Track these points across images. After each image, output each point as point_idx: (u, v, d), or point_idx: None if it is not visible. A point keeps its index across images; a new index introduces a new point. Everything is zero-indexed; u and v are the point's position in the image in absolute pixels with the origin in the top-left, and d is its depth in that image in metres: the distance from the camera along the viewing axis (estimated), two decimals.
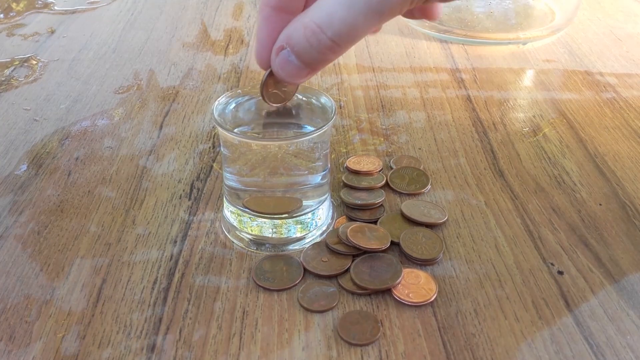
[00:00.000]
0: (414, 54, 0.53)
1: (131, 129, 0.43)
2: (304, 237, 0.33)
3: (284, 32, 0.28)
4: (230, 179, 0.33)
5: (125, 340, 0.28)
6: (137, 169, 0.39)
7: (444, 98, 0.47)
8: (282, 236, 0.32)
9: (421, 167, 0.39)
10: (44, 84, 0.49)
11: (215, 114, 0.31)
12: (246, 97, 0.33)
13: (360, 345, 0.27)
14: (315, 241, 0.33)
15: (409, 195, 0.36)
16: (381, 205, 0.35)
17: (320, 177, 0.32)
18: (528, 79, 0.50)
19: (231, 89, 0.48)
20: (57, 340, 0.28)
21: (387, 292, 0.30)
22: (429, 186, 0.37)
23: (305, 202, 0.32)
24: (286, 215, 0.32)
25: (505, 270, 0.32)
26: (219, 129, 0.31)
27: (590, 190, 0.37)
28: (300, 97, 0.33)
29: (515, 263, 0.32)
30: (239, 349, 0.28)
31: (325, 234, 0.33)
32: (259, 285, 0.30)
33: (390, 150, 0.41)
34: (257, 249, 0.33)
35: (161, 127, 0.43)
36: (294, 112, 0.33)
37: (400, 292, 0.30)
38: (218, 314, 0.29)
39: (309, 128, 0.31)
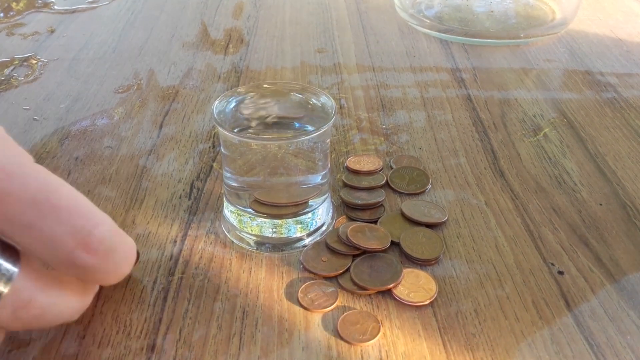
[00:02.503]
0: (414, 54, 0.53)
1: (131, 129, 0.43)
2: (304, 237, 0.33)
3: None
4: (230, 179, 0.32)
5: (125, 340, 0.28)
6: (137, 169, 0.39)
7: (444, 98, 0.47)
8: (282, 236, 0.32)
9: (421, 167, 0.39)
10: (43, 84, 0.49)
11: (215, 114, 0.31)
12: (246, 97, 0.33)
13: (361, 346, 0.27)
14: (315, 241, 0.33)
15: (409, 195, 0.36)
16: (381, 205, 0.35)
17: (320, 177, 0.32)
18: (528, 78, 0.49)
19: (231, 88, 0.48)
20: (57, 340, 0.28)
21: (387, 292, 0.30)
22: (429, 186, 0.37)
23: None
24: (292, 212, 0.32)
25: (506, 270, 0.32)
26: (219, 128, 0.31)
27: (590, 190, 0.37)
28: (300, 97, 0.33)
29: (515, 263, 0.32)
30: (239, 349, 0.27)
31: (325, 234, 0.33)
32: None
33: (390, 150, 0.41)
34: (257, 249, 0.33)
35: (161, 126, 0.43)
36: (294, 112, 0.33)
37: (400, 292, 0.30)
38: (218, 314, 0.29)
39: (309, 128, 0.31)
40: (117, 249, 0.25)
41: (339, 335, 0.28)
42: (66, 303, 0.25)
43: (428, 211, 0.35)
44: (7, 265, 0.23)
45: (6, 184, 0.22)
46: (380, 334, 0.28)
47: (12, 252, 0.23)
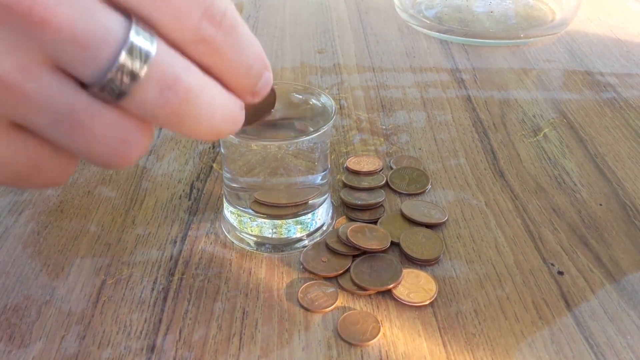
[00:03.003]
0: (414, 54, 0.53)
1: None
2: (304, 238, 0.33)
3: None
4: (230, 180, 0.33)
5: (125, 340, 0.28)
6: (137, 169, 0.39)
7: (444, 98, 0.47)
8: (282, 236, 0.32)
9: (421, 167, 0.39)
10: None
11: None
12: None
13: (361, 346, 0.27)
14: (315, 241, 0.33)
15: (409, 195, 0.36)
16: (381, 205, 0.35)
17: (320, 177, 0.32)
18: (528, 79, 0.50)
19: None
20: (57, 340, 0.28)
21: (387, 292, 0.30)
22: (429, 186, 0.37)
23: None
24: (292, 212, 0.32)
25: (506, 270, 0.32)
26: None
27: (590, 191, 0.37)
28: (300, 97, 0.33)
29: (515, 263, 0.32)
30: (239, 349, 0.28)
31: (325, 234, 0.33)
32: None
33: (390, 150, 0.41)
34: (257, 249, 0.33)
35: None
36: (294, 112, 0.33)
37: (400, 293, 0.30)
38: (218, 314, 0.29)
39: (309, 128, 0.31)
40: (241, 28, 0.23)
41: (339, 336, 0.28)
42: (220, 94, 0.22)
43: (428, 211, 0.35)
44: (144, 38, 0.20)
45: None
46: (380, 334, 0.28)
47: (145, 25, 0.21)
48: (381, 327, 0.28)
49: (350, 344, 0.28)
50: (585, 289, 0.30)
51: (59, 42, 0.19)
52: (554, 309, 0.29)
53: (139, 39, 0.20)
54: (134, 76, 0.20)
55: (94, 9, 0.20)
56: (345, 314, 0.29)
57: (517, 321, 0.29)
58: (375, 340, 0.28)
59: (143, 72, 0.20)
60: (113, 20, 0.20)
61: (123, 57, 0.20)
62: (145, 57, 0.20)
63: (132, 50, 0.20)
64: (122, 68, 0.20)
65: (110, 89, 0.20)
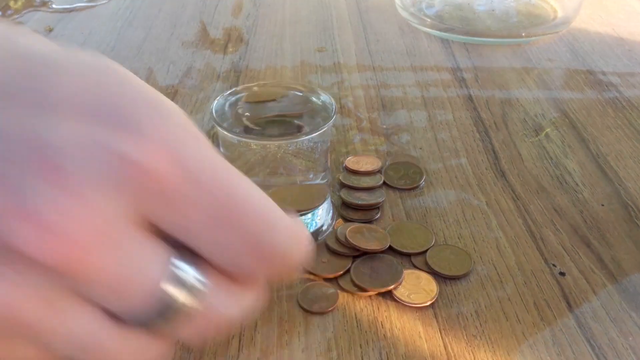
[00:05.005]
0: (415, 53, 0.53)
1: None
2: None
3: None
4: None
5: None
6: None
7: (445, 97, 0.46)
8: None
9: (418, 165, 0.38)
10: None
11: (214, 113, 0.31)
12: (246, 96, 0.33)
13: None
14: (315, 242, 0.33)
15: (401, 190, 0.36)
16: (381, 205, 0.35)
17: (320, 177, 0.32)
18: (530, 78, 0.49)
19: (230, 87, 0.48)
20: None
21: (388, 293, 0.30)
22: (422, 183, 0.37)
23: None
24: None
25: (507, 271, 0.31)
26: (218, 128, 0.30)
27: (592, 191, 0.37)
28: (300, 96, 0.33)
29: (516, 264, 0.32)
30: (238, 351, 0.27)
31: (325, 235, 0.33)
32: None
33: (391, 150, 0.40)
34: None
35: None
36: (294, 111, 0.32)
37: (400, 294, 0.30)
38: None
39: (309, 128, 0.31)
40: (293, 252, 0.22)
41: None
42: (245, 307, 0.21)
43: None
44: (197, 275, 0.19)
45: (193, 191, 0.18)
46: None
47: (196, 257, 0.19)
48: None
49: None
50: (587, 290, 0.30)
51: (92, 287, 0.18)
52: (555, 310, 0.29)
53: (180, 277, 0.19)
54: (171, 312, 0.19)
55: (132, 253, 0.18)
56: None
57: (519, 322, 0.29)
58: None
59: (183, 308, 0.19)
60: (153, 261, 0.19)
61: (164, 296, 0.19)
62: (196, 293, 0.19)
63: (174, 288, 0.19)
64: (162, 309, 0.19)
65: (145, 324, 0.19)
